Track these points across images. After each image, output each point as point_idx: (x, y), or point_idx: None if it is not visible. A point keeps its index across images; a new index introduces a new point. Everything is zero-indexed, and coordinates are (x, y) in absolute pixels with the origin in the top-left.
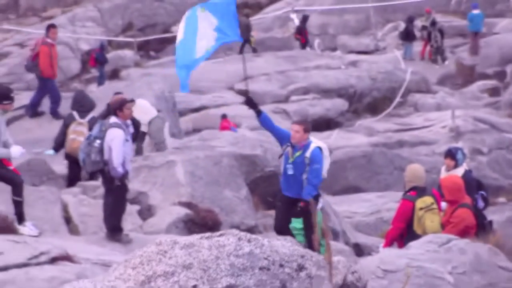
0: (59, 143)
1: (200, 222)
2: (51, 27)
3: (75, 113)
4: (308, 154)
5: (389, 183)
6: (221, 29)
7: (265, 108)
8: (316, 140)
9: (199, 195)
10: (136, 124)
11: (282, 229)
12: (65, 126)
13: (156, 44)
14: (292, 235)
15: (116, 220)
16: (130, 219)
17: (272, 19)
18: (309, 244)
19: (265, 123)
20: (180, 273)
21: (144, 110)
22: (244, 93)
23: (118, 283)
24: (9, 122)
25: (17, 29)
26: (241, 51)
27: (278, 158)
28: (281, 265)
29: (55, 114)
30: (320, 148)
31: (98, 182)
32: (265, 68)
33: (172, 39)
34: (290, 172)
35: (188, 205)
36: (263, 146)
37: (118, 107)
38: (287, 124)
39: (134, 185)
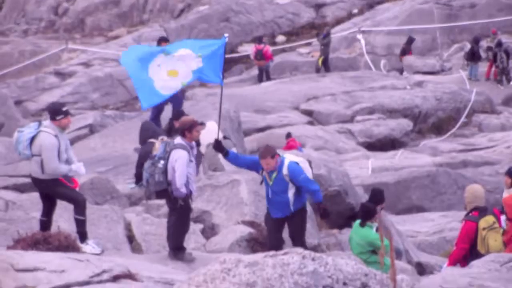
0: (139, 175)
1: (263, 241)
2: (162, 41)
3: (152, 140)
4: (285, 171)
5: (453, 202)
6: (202, 70)
7: (330, 128)
8: (289, 156)
9: (262, 214)
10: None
11: (278, 248)
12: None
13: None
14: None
15: (179, 239)
16: (193, 237)
17: (339, 39)
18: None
19: (234, 161)
20: None
21: (208, 131)
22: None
23: None
24: (73, 142)
25: (83, 48)
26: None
27: (260, 184)
28: (345, 284)
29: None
30: (295, 162)
31: (162, 201)
32: (331, 88)
33: (238, 59)
34: (273, 194)
35: (251, 224)
36: (327, 166)
37: (188, 129)
38: (352, 144)
39: (198, 204)
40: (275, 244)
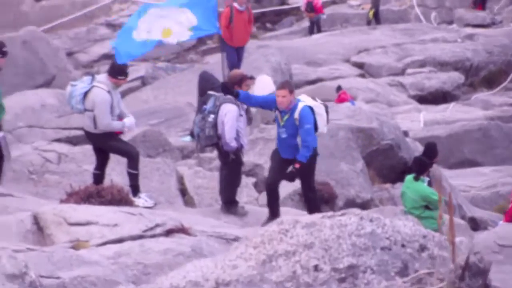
0: None
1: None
2: None
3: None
4: (296, 115)
5: (505, 157)
6: (198, 27)
7: (381, 81)
8: (306, 98)
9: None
10: None
11: (273, 186)
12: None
13: (272, 16)
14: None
15: (231, 193)
16: (246, 191)
17: None
18: (307, 203)
19: (247, 100)
20: (302, 253)
21: (263, 85)
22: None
23: (239, 262)
24: (125, 94)
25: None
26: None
27: (272, 121)
28: (403, 245)
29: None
30: (309, 107)
31: (214, 154)
32: (382, 40)
33: (289, 11)
34: (283, 135)
35: None
36: (380, 119)
37: (237, 82)
38: (404, 97)
39: (250, 158)
40: (272, 181)
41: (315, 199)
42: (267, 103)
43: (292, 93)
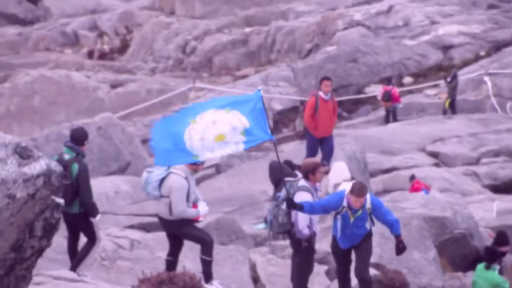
0: None
1: (388, 283)
2: (323, 79)
3: (289, 179)
4: (368, 205)
5: None
6: (250, 131)
7: (456, 170)
8: (345, 185)
9: (387, 256)
10: None
11: (345, 278)
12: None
13: (349, 105)
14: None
15: (302, 281)
16: (317, 279)
17: (466, 81)
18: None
19: (311, 210)
20: None
21: (338, 172)
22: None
23: None
24: (199, 181)
25: (210, 87)
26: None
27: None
28: None
29: None
30: (375, 198)
31: (287, 242)
32: (457, 130)
33: (365, 100)
34: (350, 228)
35: (376, 266)
36: (453, 208)
37: (311, 171)
38: (477, 186)
39: (323, 246)
40: (343, 275)
41: (371, 284)
42: (331, 206)
43: (365, 195)
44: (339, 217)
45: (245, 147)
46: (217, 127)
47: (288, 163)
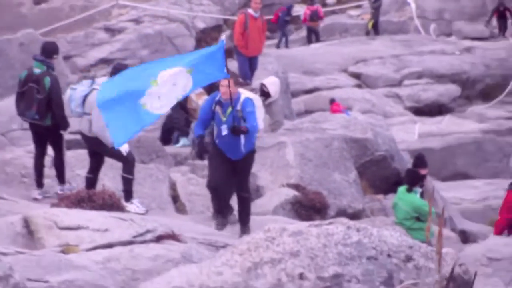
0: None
1: (308, 204)
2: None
3: None
4: (239, 106)
5: (498, 170)
6: (200, 69)
7: (378, 92)
8: (244, 91)
9: (308, 177)
10: None
11: (217, 185)
12: (182, 105)
13: (271, 24)
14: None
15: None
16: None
17: (389, 2)
18: (242, 205)
19: (203, 129)
20: (287, 261)
21: (276, 88)
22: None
23: (225, 269)
24: None
25: (133, 5)
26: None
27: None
28: (389, 255)
29: None
30: (250, 98)
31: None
32: (380, 51)
33: (289, 20)
34: (225, 132)
35: (296, 187)
36: (374, 129)
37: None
38: (399, 108)
39: None
40: (218, 183)
41: (250, 201)
42: (207, 113)
43: (236, 84)
44: (216, 119)
45: (193, 86)
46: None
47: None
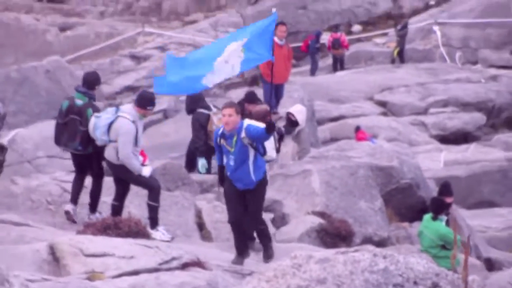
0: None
1: (333, 232)
2: (278, 24)
3: (202, 110)
4: (243, 134)
5: None
6: (250, 47)
7: (403, 120)
8: (250, 121)
9: (333, 205)
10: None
11: (238, 222)
12: (203, 126)
13: (296, 52)
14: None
15: (250, 229)
16: None
17: (415, 30)
18: (259, 236)
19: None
20: None
21: (304, 116)
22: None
23: None
24: (147, 126)
25: (159, 32)
26: (392, 61)
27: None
28: (415, 283)
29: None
30: (252, 124)
31: None
32: (406, 79)
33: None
34: (232, 163)
35: (322, 214)
36: (400, 158)
37: (261, 119)
38: (425, 136)
39: (269, 193)
40: (236, 217)
41: (267, 230)
42: (217, 148)
43: (238, 114)
44: (224, 152)
45: (241, 68)
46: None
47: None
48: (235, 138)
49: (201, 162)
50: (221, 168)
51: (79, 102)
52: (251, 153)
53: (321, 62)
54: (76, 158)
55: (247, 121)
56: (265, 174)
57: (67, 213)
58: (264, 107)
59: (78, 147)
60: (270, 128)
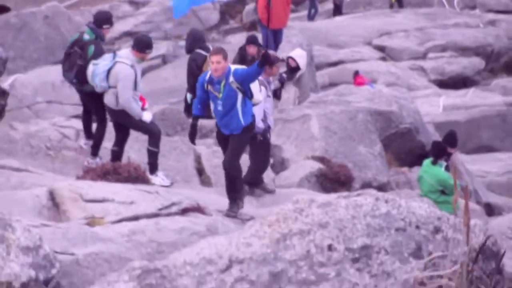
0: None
1: (333, 177)
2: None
3: (200, 51)
4: (231, 78)
5: None
6: None
7: (402, 65)
8: (233, 65)
9: (332, 150)
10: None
11: (231, 164)
12: (199, 67)
13: None
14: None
15: (258, 175)
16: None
17: None
18: (227, 182)
19: (204, 109)
20: (316, 232)
21: (304, 61)
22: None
23: (253, 240)
24: (145, 71)
25: None
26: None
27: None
28: (417, 227)
29: None
30: (239, 68)
31: None
32: (404, 24)
33: None
34: (220, 108)
35: (321, 159)
36: (399, 102)
37: (270, 64)
38: (424, 81)
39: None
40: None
41: (240, 178)
42: (203, 93)
43: (226, 59)
44: (212, 99)
45: None
46: None
47: (253, 37)
48: (223, 83)
49: (189, 96)
50: (196, 117)
51: (86, 37)
52: (239, 97)
53: (319, 6)
54: (80, 95)
55: (233, 66)
56: (253, 118)
57: (80, 147)
58: (273, 52)
59: (73, 80)
60: (265, 61)
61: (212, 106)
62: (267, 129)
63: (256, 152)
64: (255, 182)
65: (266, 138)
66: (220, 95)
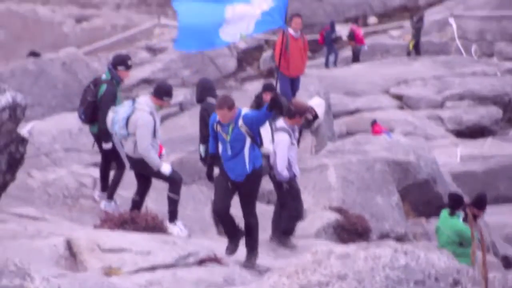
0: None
1: (350, 228)
2: (294, 16)
3: (211, 100)
4: (240, 122)
5: None
6: (269, 13)
7: (420, 114)
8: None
9: (350, 200)
10: None
11: (224, 213)
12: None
13: (313, 45)
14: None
15: (291, 224)
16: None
17: (431, 23)
18: (247, 231)
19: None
20: (335, 284)
21: (321, 107)
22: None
23: None
24: (163, 119)
25: (175, 24)
26: (408, 54)
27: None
28: (436, 279)
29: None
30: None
31: None
32: (421, 72)
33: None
34: (229, 152)
35: (338, 210)
36: (416, 152)
37: (301, 113)
38: (441, 130)
39: None
40: (222, 209)
41: (257, 227)
42: (213, 133)
43: (232, 108)
44: (220, 141)
45: (255, 29)
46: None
47: (270, 85)
48: (231, 126)
49: (202, 148)
50: (213, 156)
51: (103, 76)
52: (247, 142)
53: None
54: (96, 142)
55: (244, 110)
56: (261, 166)
57: (94, 200)
58: (303, 102)
59: (81, 115)
60: (273, 105)
61: (220, 148)
62: (293, 177)
63: (285, 201)
64: (289, 232)
65: (293, 187)
66: (228, 138)
